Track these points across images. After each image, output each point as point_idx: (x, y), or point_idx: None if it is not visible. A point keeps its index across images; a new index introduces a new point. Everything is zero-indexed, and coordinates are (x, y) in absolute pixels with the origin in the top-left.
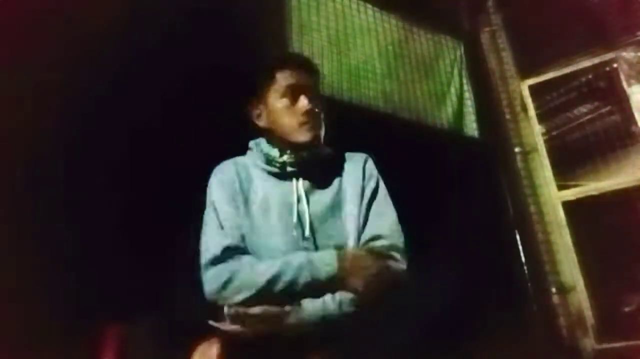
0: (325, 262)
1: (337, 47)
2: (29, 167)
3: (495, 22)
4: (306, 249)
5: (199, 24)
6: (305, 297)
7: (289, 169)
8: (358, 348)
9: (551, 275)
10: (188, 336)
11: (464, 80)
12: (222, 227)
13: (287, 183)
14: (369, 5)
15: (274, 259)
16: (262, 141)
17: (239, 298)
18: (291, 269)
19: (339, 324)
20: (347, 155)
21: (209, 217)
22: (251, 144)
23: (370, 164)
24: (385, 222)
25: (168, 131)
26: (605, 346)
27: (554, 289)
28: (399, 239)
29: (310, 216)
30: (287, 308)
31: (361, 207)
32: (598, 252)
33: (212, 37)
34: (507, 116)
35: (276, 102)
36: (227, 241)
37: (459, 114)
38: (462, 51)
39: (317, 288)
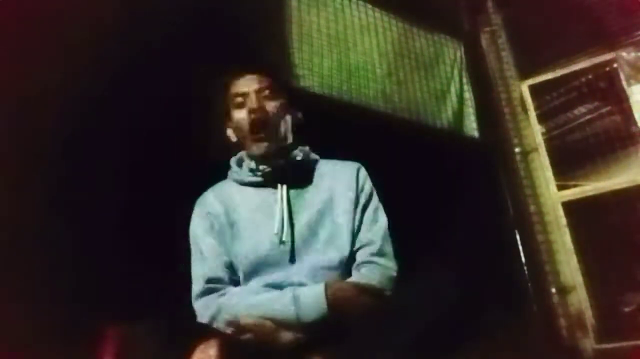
0: (313, 302)
1: (337, 47)
2: (29, 167)
3: (495, 22)
4: (287, 254)
5: (199, 24)
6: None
7: (271, 176)
8: (358, 349)
9: (551, 275)
10: (188, 336)
11: (464, 81)
12: (204, 260)
13: (271, 190)
14: (369, 5)
15: (259, 289)
16: (242, 154)
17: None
18: (276, 309)
19: (339, 326)
20: (339, 163)
21: (193, 250)
22: (232, 161)
23: (363, 173)
24: (377, 229)
25: (168, 131)
26: (605, 346)
27: (554, 289)
28: (388, 246)
29: (293, 220)
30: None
31: (355, 215)
32: (598, 253)
33: (212, 38)
34: (507, 116)
35: (234, 113)
36: (210, 273)
37: (459, 114)
38: (462, 51)
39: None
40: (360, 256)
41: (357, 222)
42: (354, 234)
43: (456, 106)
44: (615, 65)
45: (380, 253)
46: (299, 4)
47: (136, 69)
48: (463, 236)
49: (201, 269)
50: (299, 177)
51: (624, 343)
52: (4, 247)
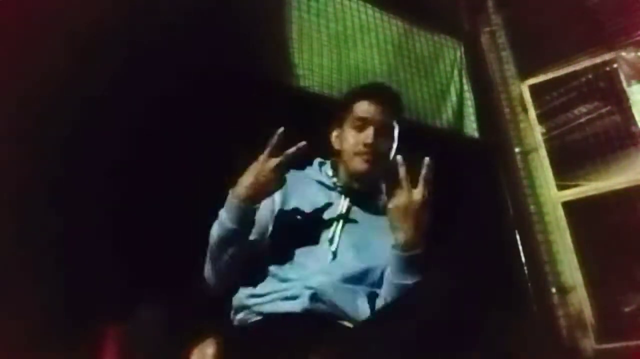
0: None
1: (337, 47)
2: (28, 167)
3: (495, 22)
4: (327, 259)
5: (199, 24)
6: None
7: (339, 188)
8: (358, 348)
9: (551, 275)
10: (187, 336)
11: (464, 81)
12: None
13: (335, 195)
14: (369, 6)
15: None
16: (327, 163)
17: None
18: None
19: (340, 325)
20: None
21: None
22: (315, 161)
23: None
24: None
25: (166, 130)
26: (605, 346)
27: (553, 289)
28: None
29: (342, 234)
30: None
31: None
32: (598, 253)
33: (212, 38)
34: (507, 116)
35: (348, 129)
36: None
37: (459, 114)
38: (462, 51)
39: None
40: None
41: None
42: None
43: (456, 105)
44: (615, 65)
45: None
46: (299, 4)
47: (136, 69)
48: (463, 235)
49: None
50: (361, 201)
51: (624, 343)
52: (4, 248)
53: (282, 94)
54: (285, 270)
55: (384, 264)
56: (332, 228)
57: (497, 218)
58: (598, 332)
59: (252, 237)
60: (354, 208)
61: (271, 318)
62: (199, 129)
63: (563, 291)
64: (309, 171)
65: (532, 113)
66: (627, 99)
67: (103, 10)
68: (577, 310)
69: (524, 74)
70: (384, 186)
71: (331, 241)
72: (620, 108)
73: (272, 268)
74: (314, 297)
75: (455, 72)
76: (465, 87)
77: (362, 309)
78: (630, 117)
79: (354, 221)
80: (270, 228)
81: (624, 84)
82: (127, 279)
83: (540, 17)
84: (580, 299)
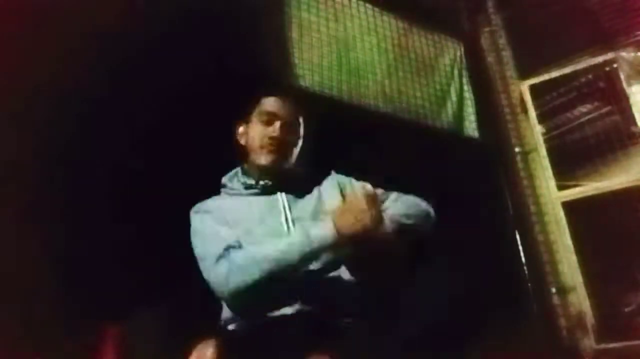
0: (323, 232)
1: (336, 47)
2: (28, 167)
3: (495, 22)
4: None
5: (199, 25)
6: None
7: (269, 188)
8: (359, 347)
9: (551, 275)
10: (186, 336)
11: (464, 81)
12: (211, 241)
13: (272, 197)
14: (369, 5)
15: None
16: (236, 173)
17: (248, 282)
18: (292, 252)
19: (339, 324)
20: (321, 178)
21: (197, 243)
22: (224, 180)
23: (341, 175)
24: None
25: (166, 131)
26: (605, 346)
27: (553, 289)
28: None
29: (295, 221)
30: None
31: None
32: (598, 253)
33: (212, 38)
34: (507, 116)
35: (255, 124)
36: (219, 251)
37: (459, 114)
38: (462, 51)
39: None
40: None
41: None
42: None
43: (456, 105)
44: (615, 65)
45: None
46: (298, 4)
47: (136, 69)
48: (463, 235)
49: (213, 249)
50: (291, 189)
51: (624, 343)
52: (4, 247)
53: (282, 93)
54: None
55: None
56: (287, 225)
57: (497, 218)
58: (598, 332)
59: None
60: (290, 196)
61: (268, 320)
62: (198, 129)
63: (563, 291)
64: (226, 190)
65: (532, 113)
66: (627, 99)
67: (103, 10)
68: (577, 310)
69: (524, 74)
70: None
71: (288, 233)
72: (620, 108)
73: None
74: (310, 299)
75: (455, 72)
76: (465, 87)
77: (351, 296)
78: (630, 117)
79: (298, 208)
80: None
81: (624, 84)
82: (127, 280)
83: (540, 17)
84: (580, 299)
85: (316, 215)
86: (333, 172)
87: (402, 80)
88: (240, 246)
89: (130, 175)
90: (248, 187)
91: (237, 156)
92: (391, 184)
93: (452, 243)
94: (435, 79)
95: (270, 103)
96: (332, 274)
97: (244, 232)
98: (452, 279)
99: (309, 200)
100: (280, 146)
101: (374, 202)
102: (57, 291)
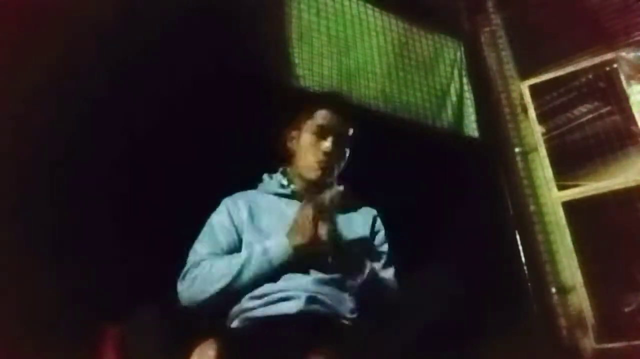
0: (280, 248)
1: (337, 47)
2: (28, 167)
3: (495, 22)
4: (302, 264)
5: (199, 25)
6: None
7: (299, 194)
8: (359, 347)
9: (551, 275)
10: (187, 336)
11: (464, 80)
12: (211, 246)
13: (298, 203)
14: (369, 6)
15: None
16: (277, 174)
17: (202, 297)
18: (249, 269)
19: (340, 323)
20: (359, 203)
21: (204, 232)
22: (265, 176)
23: (379, 221)
24: (389, 270)
25: (166, 131)
26: (605, 346)
27: (553, 289)
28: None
29: None
30: None
31: (369, 246)
32: (598, 253)
33: (212, 38)
34: (507, 116)
35: (307, 134)
36: (206, 250)
37: (459, 114)
38: (462, 51)
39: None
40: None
41: (371, 254)
42: (365, 257)
43: (456, 105)
44: (615, 65)
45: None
46: (299, 4)
47: (135, 69)
48: (463, 236)
49: (202, 250)
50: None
51: (624, 343)
52: (3, 247)
53: (282, 94)
54: (276, 275)
55: (363, 253)
56: None
57: (497, 218)
58: (598, 332)
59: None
60: None
61: (269, 319)
62: (198, 130)
63: (563, 290)
64: (262, 186)
65: (532, 113)
66: (627, 99)
67: (102, 11)
68: (577, 310)
69: (524, 74)
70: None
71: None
72: (620, 108)
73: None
74: (310, 299)
75: (455, 72)
76: (465, 87)
77: (353, 308)
78: (630, 117)
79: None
80: (247, 242)
81: (624, 84)
82: (128, 280)
83: (540, 17)
84: (580, 299)
85: (342, 233)
86: (371, 212)
87: (402, 80)
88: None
89: (130, 175)
90: (281, 186)
91: (279, 159)
92: (391, 184)
93: (452, 243)
94: (435, 78)
95: (327, 117)
96: (332, 274)
97: (257, 228)
98: (452, 279)
99: (339, 216)
100: (331, 162)
101: (325, 213)
102: (57, 291)
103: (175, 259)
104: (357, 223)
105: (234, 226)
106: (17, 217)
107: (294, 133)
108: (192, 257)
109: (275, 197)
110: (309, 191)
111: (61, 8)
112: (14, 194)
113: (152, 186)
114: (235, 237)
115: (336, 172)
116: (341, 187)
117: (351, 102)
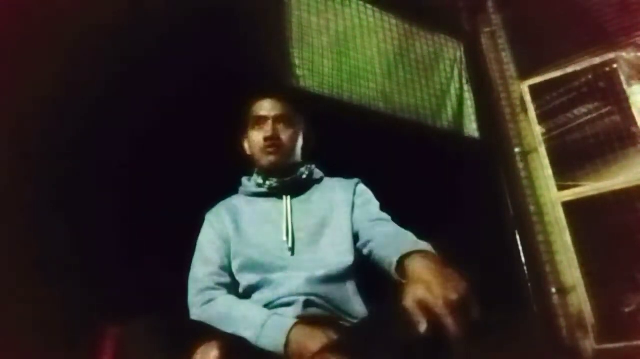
0: (275, 336)
1: (337, 47)
2: (29, 169)
3: (495, 23)
4: (291, 260)
5: (199, 25)
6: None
7: (276, 189)
8: (359, 348)
9: (551, 275)
10: (187, 338)
11: (464, 81)
12: (203, 265)
13: (277, 200)
14: (369, 6)
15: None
16: (254, 176)
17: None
18: (248, 329)
19: (338, 324)
20: (339, 179)
21: (195, 256)
22: (243, 179)
23: (361, 186)
24: (387, 221)
25: (167, 132)
26: (605, 346)
27: (554, 290)
28: None
29: (296, 230)
30: None
31: (352, 219)
32: (598, 253)
33: (212, 38)
34: (507, 116)
35: (251, 131)
36: (206, 280)
37: (459, 114)
38: (462, 51)
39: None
40: (373, 226)
41: (358, 223)
42: (355, 236)
43: (456, 106)
44: (615, 65)
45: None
46: (299, 4)
47: (135, 69)
48: (463, 236)
49: (199, 274)
50: (302, 190)
51: (624, 343)
52: (4, 249)
53: (270, 92)
54: (270, 282)
55: (349, 232)
56: (286, 230)
57: (497, 218)
58: (598, 332)
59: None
60: (297, 200)
61: None
62: (198, 131)
63: (563, 291)
64: (242, 189)
65: (532, 113)
66: (627, 99)
67: (102, 12)
68: (577, 310)
69: (524, 74)
70: None
71: (287, 242)
72: (620, 108)
73: (258, 283)
74: (307, 303)
75: (455, 72)
76: (465, 87)
77: (356, 303)
78: (630, 118)
79: (305, 212)
80: (235, 252)
81: (624, 84)
82: (128, 281)
83: (541, 17)
84: (580, 299)
85: (327, 220)
86: (352, 182)
87: (402, 81)
88: (215, 287)
89: (131, 177)
90: (258, 185)
91: (249, 167)
92: (391, 184)
93: (452, 243)
94: (436, 79)
95: (259, 106)
96: (335, 277)
97: (245, 237)
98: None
99: (319, 209)
100: (277, 145)
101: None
102: (57, 293)
103: (176, 260)
104: (338, 201)
105: (220, 237)
106: (19, 219)
107: (245, 137)
108: (195, 286)
109: (256, 199)
110: (283, 182)
111: (60, 9)
112: (15, 195)
113: (153, 189)
114: (224, 247)
115: (296, 154)
116: (312, 166)
117: (296, 88)
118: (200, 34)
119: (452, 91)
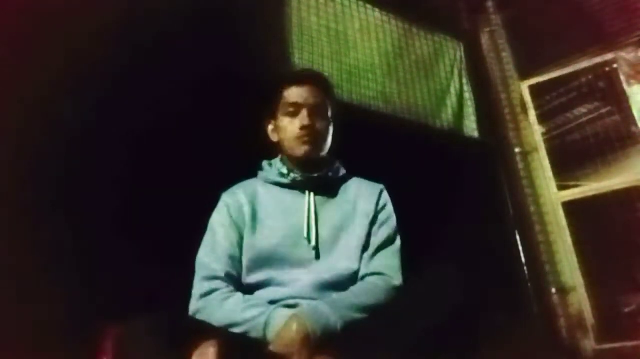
0: (274, 328)
1: (337, 47)
2: (29, 169)
3: (495, 23)
4: (305, 259)
5: (199, 26)
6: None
7: (300, 184)
8: (360, 349)
9: (551, 275)
10: (186, 337)
11: (464, 81)
12: (212, 252)
13: (300, 194)
14: (369, 6)
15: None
16: (276, 161)
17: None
18: (248, 325)
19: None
20: (365, 182)
21: (205, 237)
22: (264, 163)
23: (385, 196)
24: (392, 250)
25: (167, 132)
26: (605, 346)
27: (554, 290)
28: (399, 265)
29: (319, 228)
30: None
31: (370, 232)
32: (598, 253)
33: (213, 39)
34: (507, 117)
35: (283, 117)
36: (213, 267)
37: (459, 114)
38: (462, 51)
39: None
40: (370, 268)
41: (371, 239)
42: (364, 249)
43: (456, 106)
44: (615, 65)
45: (390, 270)
46: (299, 4)
47: (135, 70)
48: (463, 236)
49: (207, 259)
50: (325, 188)
51: (624, 344)
52: (4, 249)
53: (302, 79)
54: (278, 279)
55: (362, 242)
56: (308, 227)
57: (497, 218)
58: (598, 332)
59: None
60: (320, 198)
61: None
62: (198, 131)
63: (563, 291)
64: (262, 175)
65: (532, 113)
66: (627, 99)
67: (102, 12)
68: (577, 310)
69: (524, 75)
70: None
71: (309, 240)
72: (620, 108)
73: (266, 278)
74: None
75: (455, 72)
76: (465, 87)
77: None
78: (630, 118)
79: (327, 212)
80: (247, 244)
81: (624, 84)
82: (129, 281)
83: (541, 17)
84: (581, 299)
85: (345, 224)
86: (377, 189)
87: (402, 81)
88: (221, 277)
89: (131, 175)
90: (281, 175)
91: (273, 153)
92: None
93: (452, 243)
94: (436, 79)
95: (293, 93)
96: (341, 282)
97: (260, 227)
98: (452, 280)
99: (341, 212)
100: (313, 134)
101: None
102: (56, 292)
103: (176, 260)
104: (360, 209)
105: (235, 223)
106: (20, 220)
107: (272, 123)
108: (201, 272)
109: (277, 188)
110: (308, 177)
111: (61, 9)
112: (17, 196)
113: (153, 189)
114: (237, 235)
115: (326, 147)
116: (338, 164)
117: (317, 73)
118: (201, 35)
119: (452, 91)
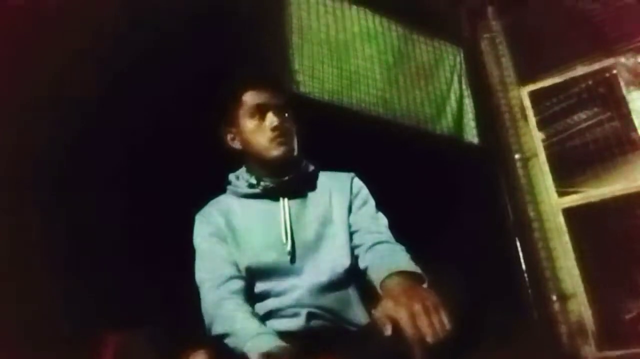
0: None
1: (336, 53)
2: (30, 172)
3: (495, 29)
4: (290, 265)
5: (199, 28)
6: None
7: (272, 191)
8: (361, 351)
9: (551, 282)
10: (185, 345)
11: (464, 87)
12: (208, 263)
13: (273, 203)
14: (369, 12)
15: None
16: (242, 172)
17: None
18: (237, 338)
19: (345, 332)
20: (334, 174)
21: (197, 258)
22: (231, 177)
23: (357, 181)
24: (381, 223)
25: (168, 135)
26: (605, 353)
27: (554, 297)
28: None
29: (295, 235)
30: None
31: (349, 221)
32: (598, 259)
33: (212, 42)
34: (507, 122)
35: (247, 122)
36: (214, 277)
37: (459, 120)
38: (462, 57)
39: None
40: (369, 240)
41: (356, 226)
42: (351, 239)
43: (456, 112)
44: (614, 71)
45: (388, 239)
46: (298, 10)
47: (135, 70)
48: (463, 242)
49: (206, 275)
50: (298, 189)
51: (625, 351)
52: (5, 254)
53: (260, 82)
54: (275, 290)
55: (347, 235)
56: (286, 235)
57: (497, 225)
58: (599, 339)
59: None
60: (294, 201)
61: None
62: (197, 134)
63: (563, 298)
64: (231, 189)
65: (532, 119)
66: (627, 105)
67: (102, 13)
68: (578, 317)
69: (523, 80)
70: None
71: (293, 247)
72: (619, 114)
73: (262, 291)
74: (310, 315)
75: (455, 78)
76: (465, 93)
77: (358, 310)
78: (630, 124)
79: (305, 214)
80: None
81: (624, 90)
82: (126, 288)
83: (540, 23)
84: (581, 306)
85: (326, 221)
86: (348, 177)
87: (402, 86)
88: (227, 279)
89: (129, 182)
90: (251, 186)
91: (234, 163)
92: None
93: (452, 249)
94: (435, 84)
95: (254, 96)
96: (337, 283)
97: (242, 243)
98: (452, 286)
99: (318, 205)
100: (287, 134)
101: None
102: (57, 299)
103: (175, 268)
104: (335, 202)
105: (218, 238)
106: (20, 225)
107: (233, 130)
108: (206, 284)
109: (249, 200)
110: (279, 182)
111: (61, 10)
112: (17, 201)
113: (155, 196)
114: (224, 247)
115: (296, 147)
116: (305, 161)
117: (271, 74)
118: (201, 40)
119: (452, 97)
